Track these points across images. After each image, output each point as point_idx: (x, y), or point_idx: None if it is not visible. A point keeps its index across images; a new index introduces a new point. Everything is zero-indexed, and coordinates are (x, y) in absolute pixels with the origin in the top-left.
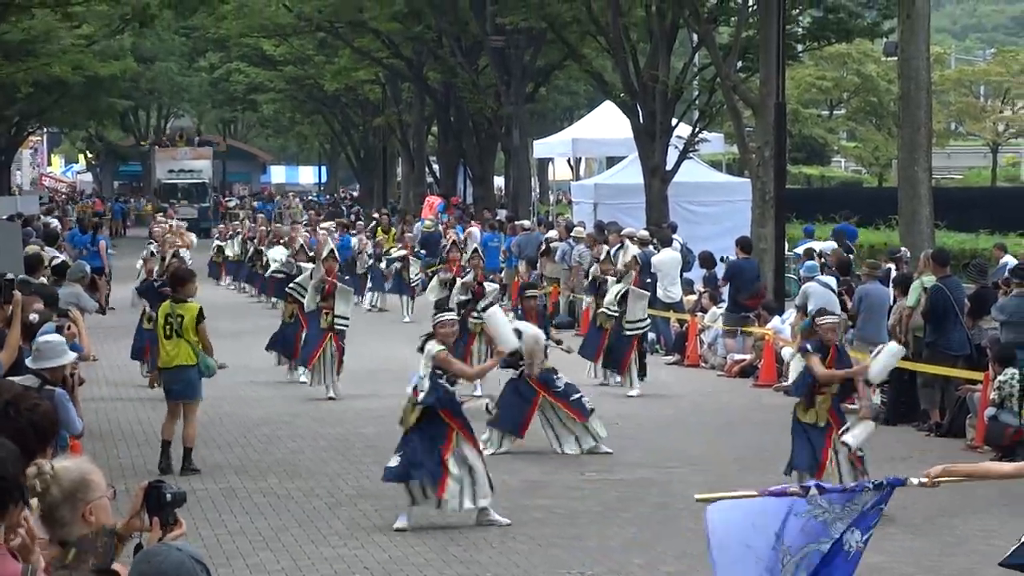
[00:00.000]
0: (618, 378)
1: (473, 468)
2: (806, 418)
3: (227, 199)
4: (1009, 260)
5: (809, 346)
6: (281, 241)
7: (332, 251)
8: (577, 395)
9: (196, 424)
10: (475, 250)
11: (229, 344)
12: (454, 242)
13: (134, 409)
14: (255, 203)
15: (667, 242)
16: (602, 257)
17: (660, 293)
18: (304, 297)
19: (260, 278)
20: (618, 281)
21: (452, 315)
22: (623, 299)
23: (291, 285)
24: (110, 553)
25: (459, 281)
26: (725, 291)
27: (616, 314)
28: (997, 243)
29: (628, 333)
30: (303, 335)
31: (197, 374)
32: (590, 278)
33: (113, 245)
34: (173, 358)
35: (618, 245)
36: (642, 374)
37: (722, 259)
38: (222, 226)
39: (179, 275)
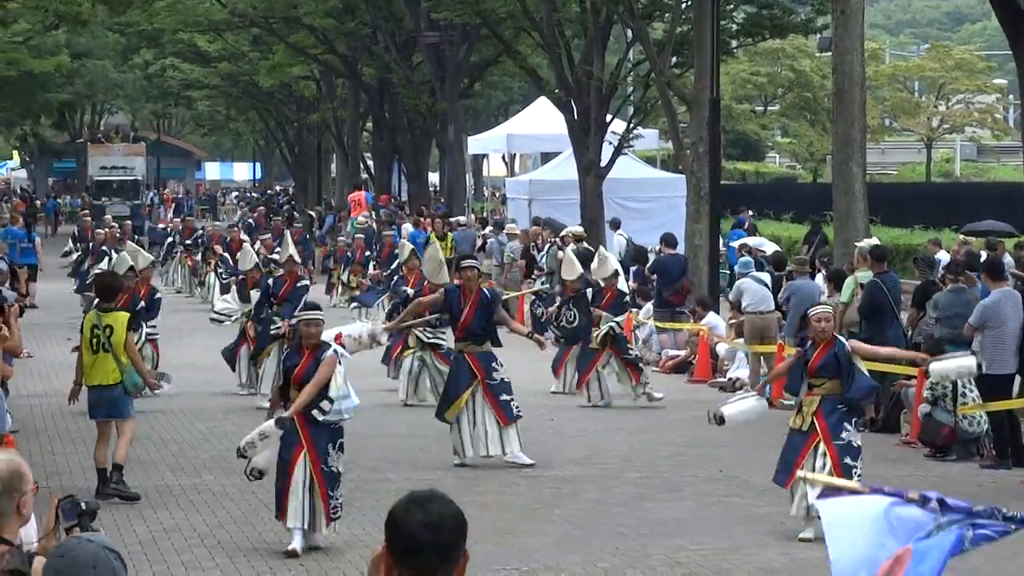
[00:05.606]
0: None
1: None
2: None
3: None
4: (944, 256)
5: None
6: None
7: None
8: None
9: (129, 441)
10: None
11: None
12: (413, 251)
13: (69, 406)
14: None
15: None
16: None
17: None
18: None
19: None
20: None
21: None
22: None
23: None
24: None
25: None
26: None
27: (618, 332)
28: (932, 239)
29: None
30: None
31: (122, 392)
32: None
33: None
34: (95, 376)
35: (550, 243)
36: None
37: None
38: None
39: (108, 282)
